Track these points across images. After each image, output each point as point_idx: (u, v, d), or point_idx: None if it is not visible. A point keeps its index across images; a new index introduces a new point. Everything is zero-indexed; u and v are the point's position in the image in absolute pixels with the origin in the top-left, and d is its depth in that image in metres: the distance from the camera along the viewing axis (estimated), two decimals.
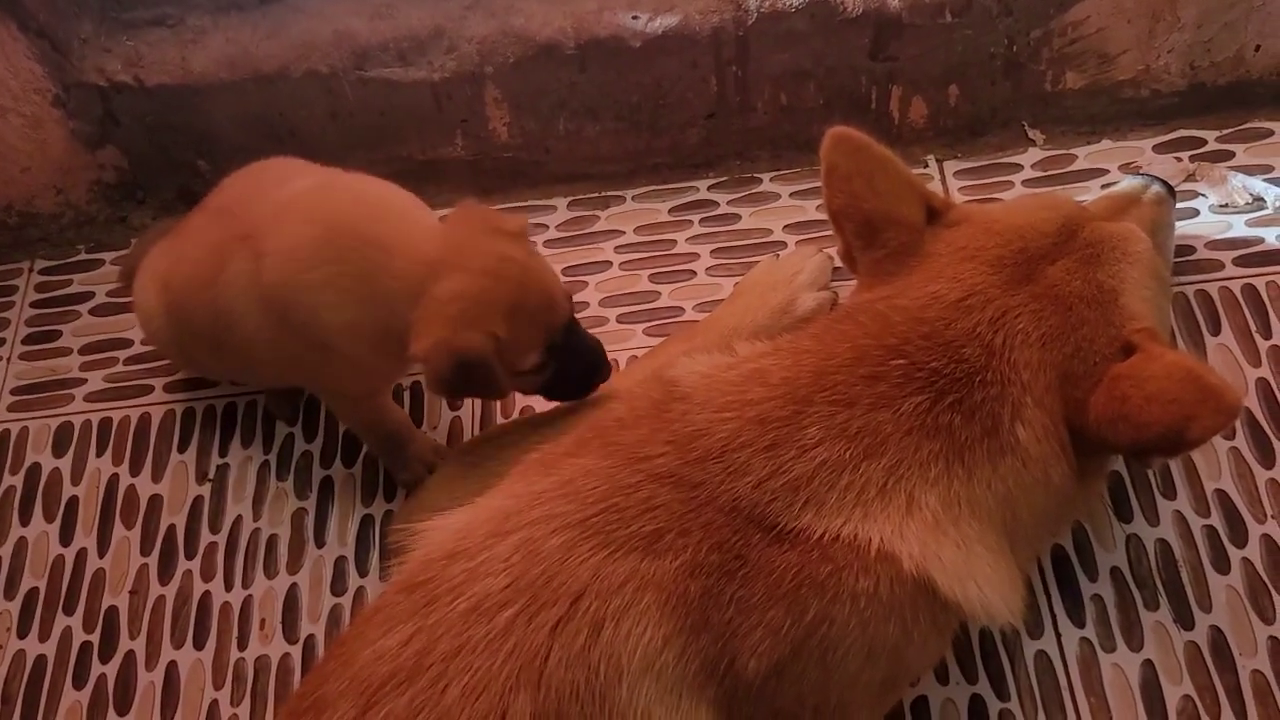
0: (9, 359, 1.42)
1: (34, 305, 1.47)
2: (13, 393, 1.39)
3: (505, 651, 0.72)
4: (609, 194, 1.46)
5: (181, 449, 1.32)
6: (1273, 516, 1.12)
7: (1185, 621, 1.08)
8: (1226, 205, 1.31)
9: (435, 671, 0.72)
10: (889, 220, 0.94)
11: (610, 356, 1.29)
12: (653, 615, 0.73)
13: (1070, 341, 0.86)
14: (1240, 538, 1.11)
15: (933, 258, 0.92)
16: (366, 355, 1.03)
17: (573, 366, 1.06)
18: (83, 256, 1.50)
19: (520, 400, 1.30)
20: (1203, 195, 1.32)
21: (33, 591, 1.24)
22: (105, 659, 1.20)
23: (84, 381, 1.39)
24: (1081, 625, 1.09)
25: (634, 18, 1.30)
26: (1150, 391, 0.80)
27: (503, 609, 0.73)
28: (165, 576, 1.24)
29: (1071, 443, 0.86)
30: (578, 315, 1.34)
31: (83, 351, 1.42)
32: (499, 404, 1.30)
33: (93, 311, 1.45)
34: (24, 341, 1.43)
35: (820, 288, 1.27)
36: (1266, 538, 1.11)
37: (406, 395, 1.32)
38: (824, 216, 1.35)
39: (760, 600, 0.76)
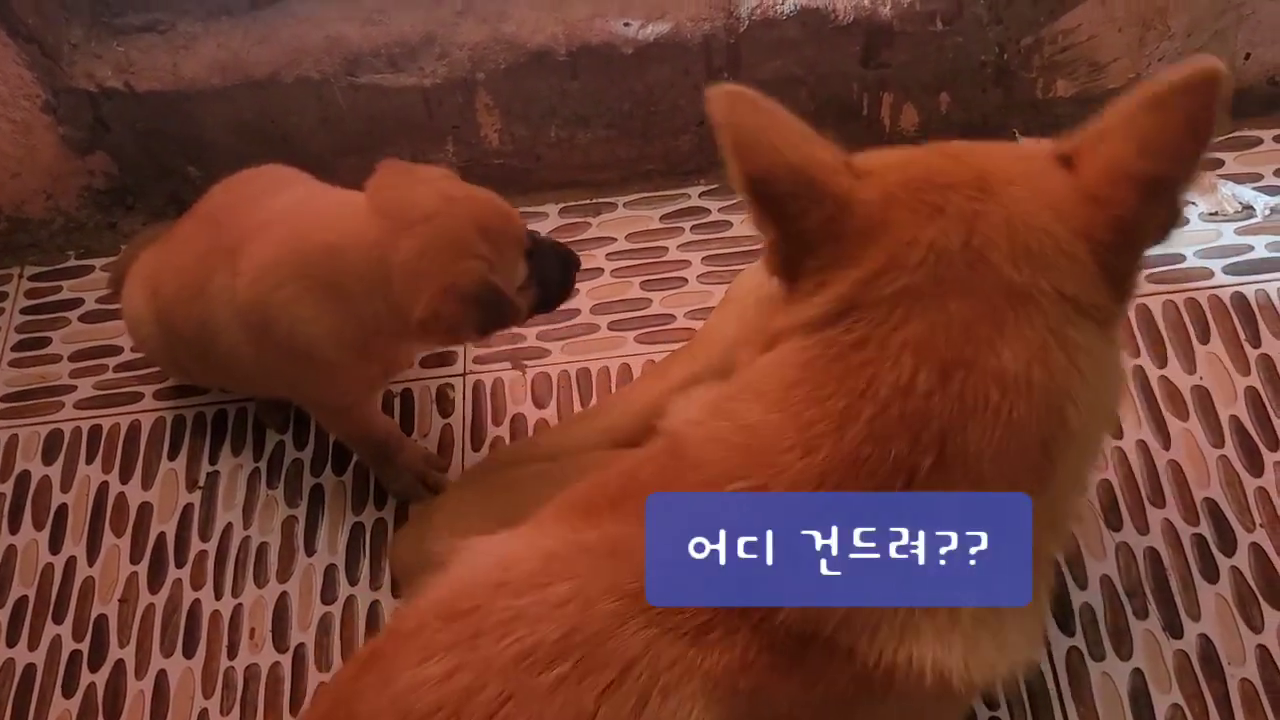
0: None
1: (24, 312, 1.46)
2: (2, 400, 1.38)
3: (555, 707, 0.71)
4: (600, 201, 1.46)
5: (172, 456, 1.32)
6: (1261, 525, 1.12)
7: (1174, 630, 1.08)
8: (1216, 213, 1.31)
9: (483, 714, 0.71)
10: (823, 167, 0.74)
11: (601, 365, 1.31)
12: (699, 701, 0.71)
13: (1066, 201, 0.72)
14: (1229, 546, 1.11)
15: (890, 205, 0.75)
16: (351, 360, 1.03)
17: (551, 266, 1.07)
18: (72, 263, 1.50)
19: (510, 408, 1.30)
20: (1192, 203, 1.33)
21: (22, 600, 1.24)
22: (95, 667, 1.19)
23: (74, 389, 1.38)
24: (1071, 634, 1.09)
25: (626, 25, 1.30)
26: (1143, 146, 0.69)
27: (554, 663, 0.71)
28: (155, 585, 1.23)
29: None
30: (568, 323, 1.35)
31: (72, 358, 1.41)
32: (489, 412, 1.30)
33: (82, 318, 1.44)
34: (13, 348, 1.43)
35: None
36: (1255, 546, 1.11)
37: (396, 404, 1.32)
38: None
39: (815, 707, 0.74)
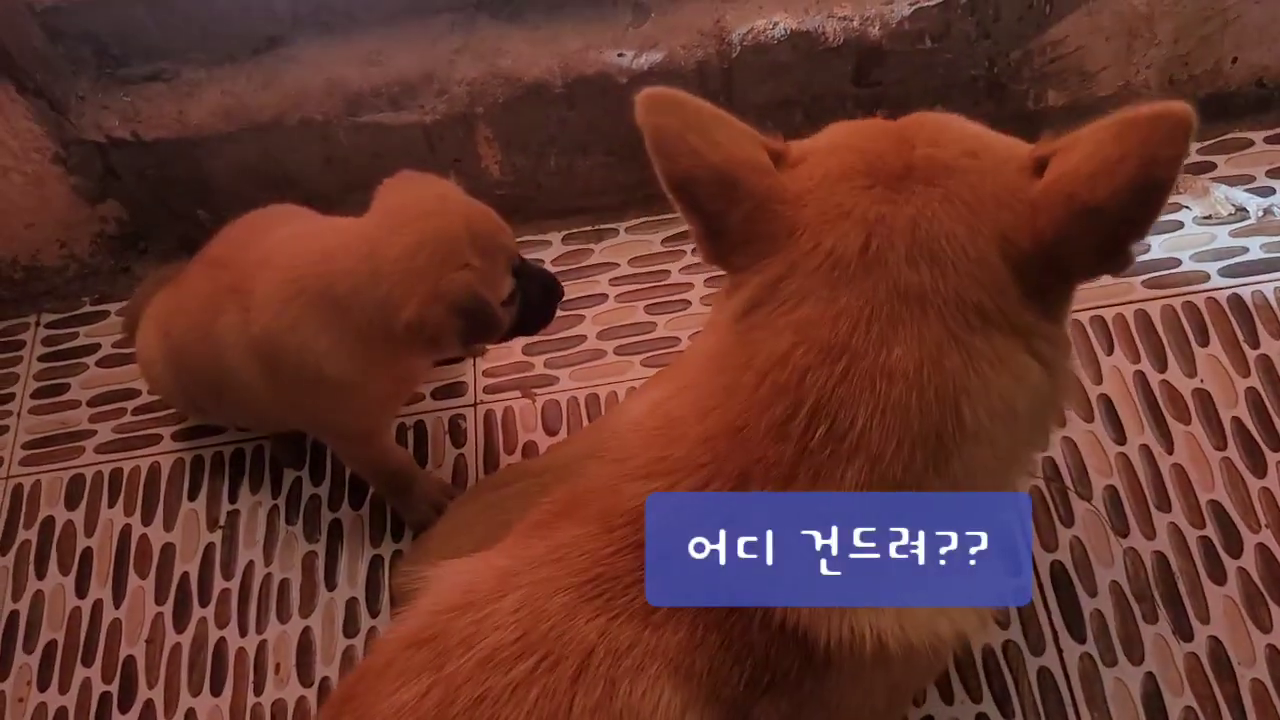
0: (19, 413, 1.44)
1: (41, 359, 1.49)
2: (24, 447, 1.41)
3: (530, 700, 0.73)
4: (602, 227, 1.48)
5: (192, 497, 1.34)
6: (1266, 526, 1.13)
7: (1184, 633, 1.10)
8: (1210, 217, 1.33)
9: None
10: (743, 167, 0.76)
11: (609, 389, 1.33)
12: (665, 683, 0.73)
13: (988, 202, 0.72)
14: (1235, 548, 1.13)
15: (802, 205, 0.77)
16: (357, 377, 1.05)
17: (535, 287, 1.08)
18: (88, 308, 1.53)
19: (522, 436, 1.32)
20: (1186, 207, 1.34)
21: (51, 644, 1.26)
22: (125, 709, 1.21)
23: (94, 433, 1.41)
24: (1082, 640, 1.11)
25: (620, 55, 1.32)
26: (1091, 170, 0.68)
27: (518, 660, 0.74)
28: (181, 624, 1.26)
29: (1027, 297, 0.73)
30: (575, 349, 1.37)
31: (91, 403, 1.44)
32: (501, 440, 1.32)
33: (100, 363, 1.47)
34: (33, 395, 1.46)
35: None
36: (1261, 547, 1.12)
37: (410, 435, 1.34)
38: None
39: (767, 684, 0.76)
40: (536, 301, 1.10)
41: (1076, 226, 0.69)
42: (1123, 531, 1.15)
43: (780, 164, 0.79)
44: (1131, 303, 1.29)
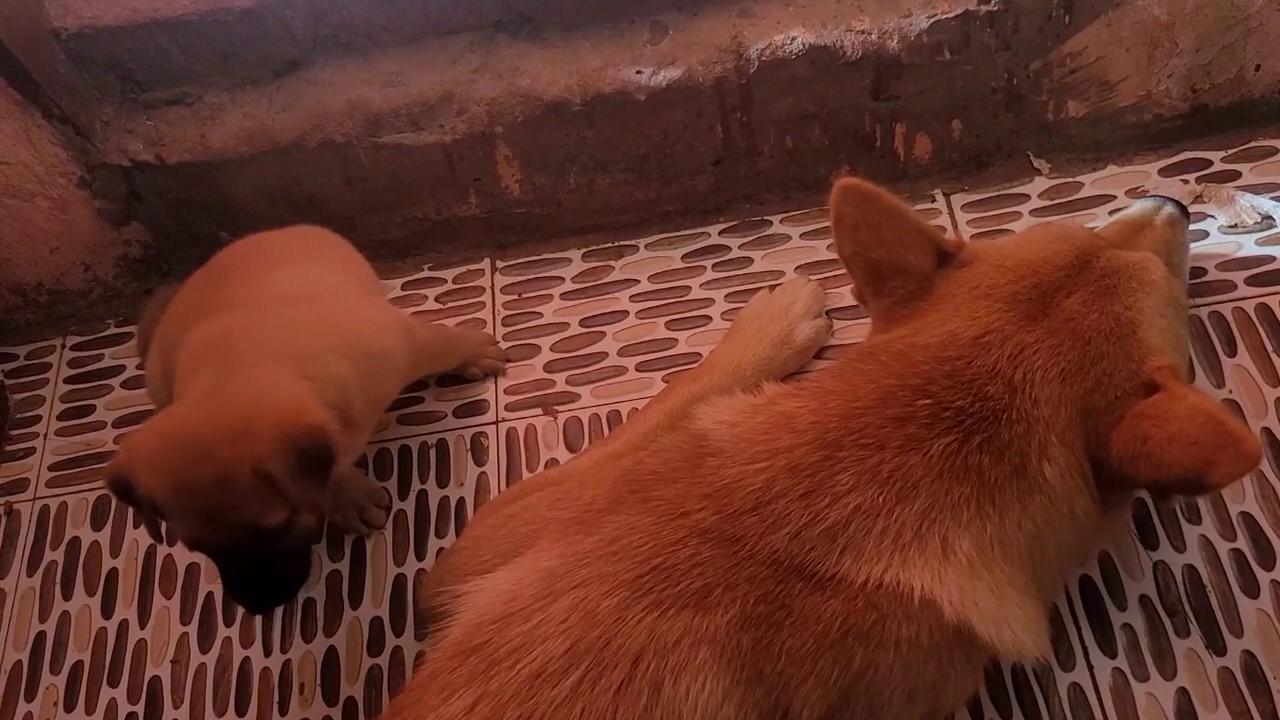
0: (46, 435, 1.45)
1: (67, 381, 1.50)
2: (50, 469, 1.42)
3: (574, 717, 0.74)
4: (622, 244, 1.48)
5: None
6: None
7: (1217, 647, 1.08)
8: (1236, 225, 1.31)
9: None
10: (896, 269, 0.95)
11: (630, 406, 1.32)
12: (710, 669, 0.75)
13: (1090, 376, 0.86)
14: (1268, 560, 1.11)
15: (947, 298, 0.93)
16: None
17: (243, 561, 1.00)
18: (112, 331, 1.54)
19: (544, 453, 1.31)
20: (1211, 216, 1.33)
21: (78, 665, 1.27)
22: None
23: (119, 454, 1.41)
24: (1113, 655, 1.09)
25: (638, 72, 1.33)
26: (1172, 432, 0.80)
27: (566, 674, 0.75)
28: (205, 644, 1.26)
29: (1094, 476, 0.87)
30: (596, 366, 1.37)
31: (116, 425, 1.45)
32: (523, 457, 1.32)
33: (124, 385, 1.48)
34: (59, 418, 1.47)
35: (815, 316, 1.30)
36: None
37: (432, 454, 1.34)
38: (835, 256, 1.38)
39: (810, 651, 0.77)
40: (245, 574, 1.01)
41: (1136, 467, 0.83)
42: (1152, 544, 1.14)
43: (948, 261, 0.96)
44: None
